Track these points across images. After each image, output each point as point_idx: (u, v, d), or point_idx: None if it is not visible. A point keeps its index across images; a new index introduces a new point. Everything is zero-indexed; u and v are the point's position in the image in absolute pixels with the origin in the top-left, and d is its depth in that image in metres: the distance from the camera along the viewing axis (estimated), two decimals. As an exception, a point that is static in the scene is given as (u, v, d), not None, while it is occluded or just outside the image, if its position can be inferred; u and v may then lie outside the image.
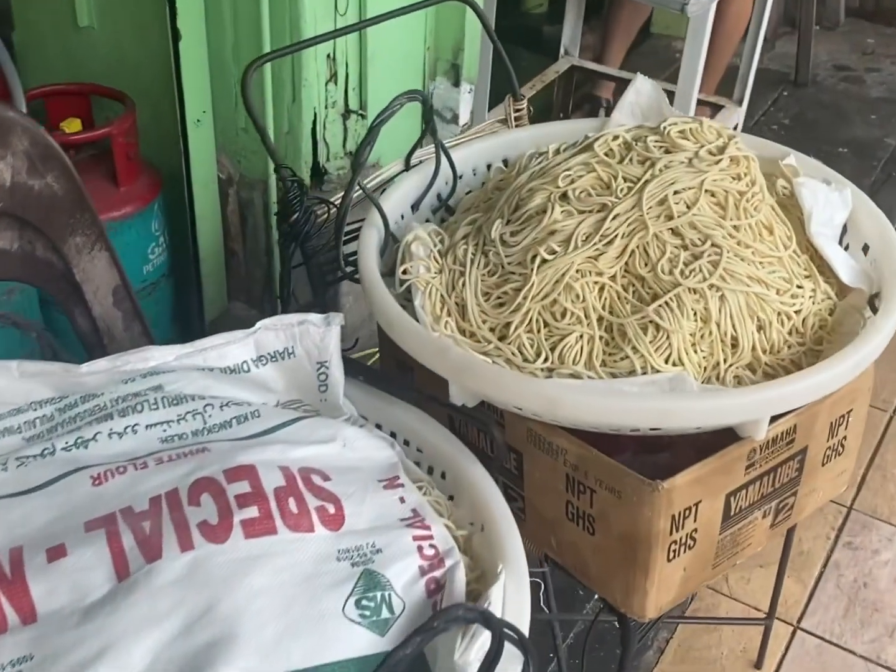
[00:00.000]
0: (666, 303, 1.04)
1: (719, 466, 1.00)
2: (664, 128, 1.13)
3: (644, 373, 1.02)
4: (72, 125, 1.79)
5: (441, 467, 1.02)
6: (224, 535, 0.86)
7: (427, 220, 1.31)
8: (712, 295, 1.04)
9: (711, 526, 1.03)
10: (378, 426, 1.09)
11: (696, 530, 1.02)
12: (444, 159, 1.24)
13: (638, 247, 1.07)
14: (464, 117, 2.24)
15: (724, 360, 1.05)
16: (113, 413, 1.00)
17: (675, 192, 1.08)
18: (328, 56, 1.87)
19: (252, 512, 0.88)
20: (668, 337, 1.03)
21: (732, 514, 1.05)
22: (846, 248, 1.19)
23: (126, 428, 0.99)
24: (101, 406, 1.01)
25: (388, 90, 1.45)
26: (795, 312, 1.09)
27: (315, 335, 1.08)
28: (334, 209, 1.19)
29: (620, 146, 1.15)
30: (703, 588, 1.62)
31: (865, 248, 1.17)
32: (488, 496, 0.98)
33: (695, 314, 1.04)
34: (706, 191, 1.09)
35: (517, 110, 1.41)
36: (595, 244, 1.07)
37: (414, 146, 1.29)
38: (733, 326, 1.05)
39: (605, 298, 1.07)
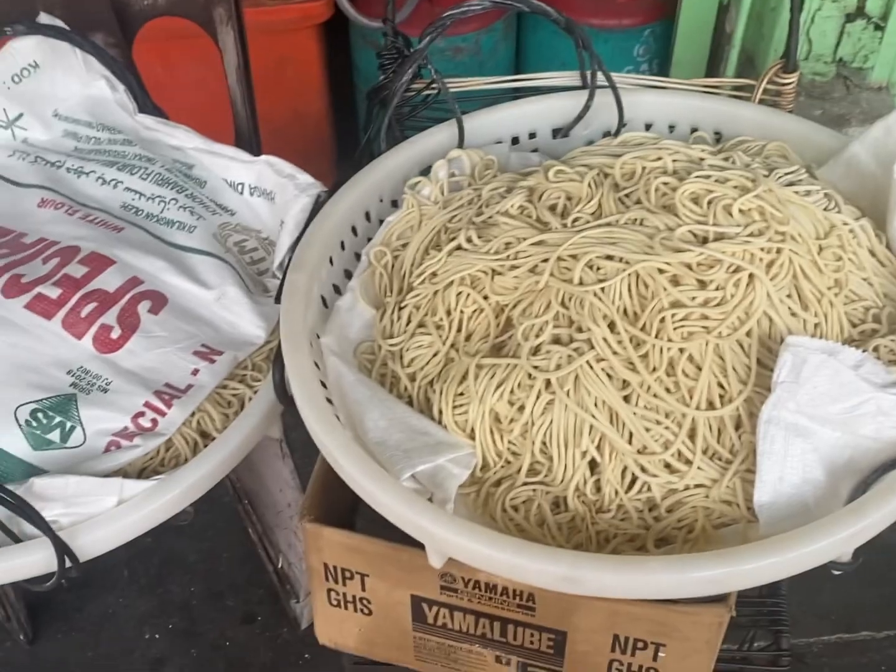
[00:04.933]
0: (491, 366, 0.83)
1: (394, 558, 0.83)
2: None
3: (443, 423, 0.85)
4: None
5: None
6: (16, 294, 0.99)
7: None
8: (536, 391, 0.80)
9: (395, 612, 0.87)
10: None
11: (367, 600, 0.87)
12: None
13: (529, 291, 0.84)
14: None
15: (528, 471, 0.82)
16: (118, 164, 1.14)
17: (589, 264, 0.80)
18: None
19: (53, 292, 1.00)
20: (469, 401, 0.83)
21: (429, 622, 0.87)
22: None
23: (112, 180, 1.13)
24: (120, 154, 1.16)
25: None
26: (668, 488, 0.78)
27: (289, 192, 1.08)
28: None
29: (649, 172, 0.86)
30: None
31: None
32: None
33: (515, 400, 0.82)
34: (635, 274, 0.79)
35: (782, 84, 1.07)
36: (501, 258, 0.87)
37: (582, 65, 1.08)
38: (545, 443, 0.81)
39: (478, 325, 0.88)
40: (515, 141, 1.11)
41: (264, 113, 1.91)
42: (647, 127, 1.10)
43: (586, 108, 1.08)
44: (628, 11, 1.94)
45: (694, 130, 1.08)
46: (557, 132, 1.11)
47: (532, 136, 1.11)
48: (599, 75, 1.07)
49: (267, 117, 1.92)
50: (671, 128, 1.10)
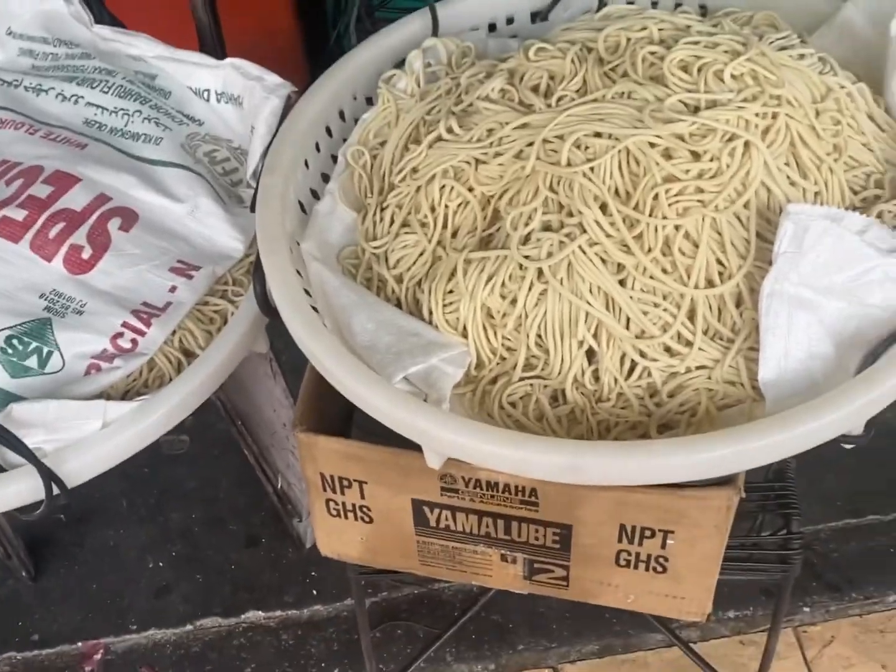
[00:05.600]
0: (480, 259, 0.79)
1: (392, 462, 0.80)
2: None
3: (433, 323, 0.82)
4: None
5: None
6: (-20, 215, 0.95)
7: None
8: (528, 282, 0.77)
9: (396, 518, 0.85)
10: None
11: (367, 508, 0.85)
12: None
13: (516, 178, 0.80)
14: None
15: (524, 366, 0.79)
16: (77, 78, 1.09)
17: (577, 144, 0.76)
18: None
19: (18, 214, 0.96)
20: (460, 298, 0.80)
21: (432, 525, 0.85)
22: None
23: (73, 96, 1.08)
24: (79, 68, 1.10)
25: None
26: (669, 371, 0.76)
27: (258, 95, 1.03)
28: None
29: (634, 42, 0.81)
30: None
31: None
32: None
33: (507, 293, 0.78)
34: (626, 151, 0.75)
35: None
36: (484, 146, 0.82)
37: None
38: (540, 335, 0.77)
39: (465, 219, 0.84)
40: (493, 28, 1.05)
41: (231, 35, 1.84)
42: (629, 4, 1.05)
43: (572, -19, 1.02)
44: None
45: (678, 6, 1.03)
46: (536, 16, 1.05)
47: (510, 21, 1.05)
48: (577, -48, 1.02)
49: (234, 39, 1.86)
50: (653, 4, 1.05)
